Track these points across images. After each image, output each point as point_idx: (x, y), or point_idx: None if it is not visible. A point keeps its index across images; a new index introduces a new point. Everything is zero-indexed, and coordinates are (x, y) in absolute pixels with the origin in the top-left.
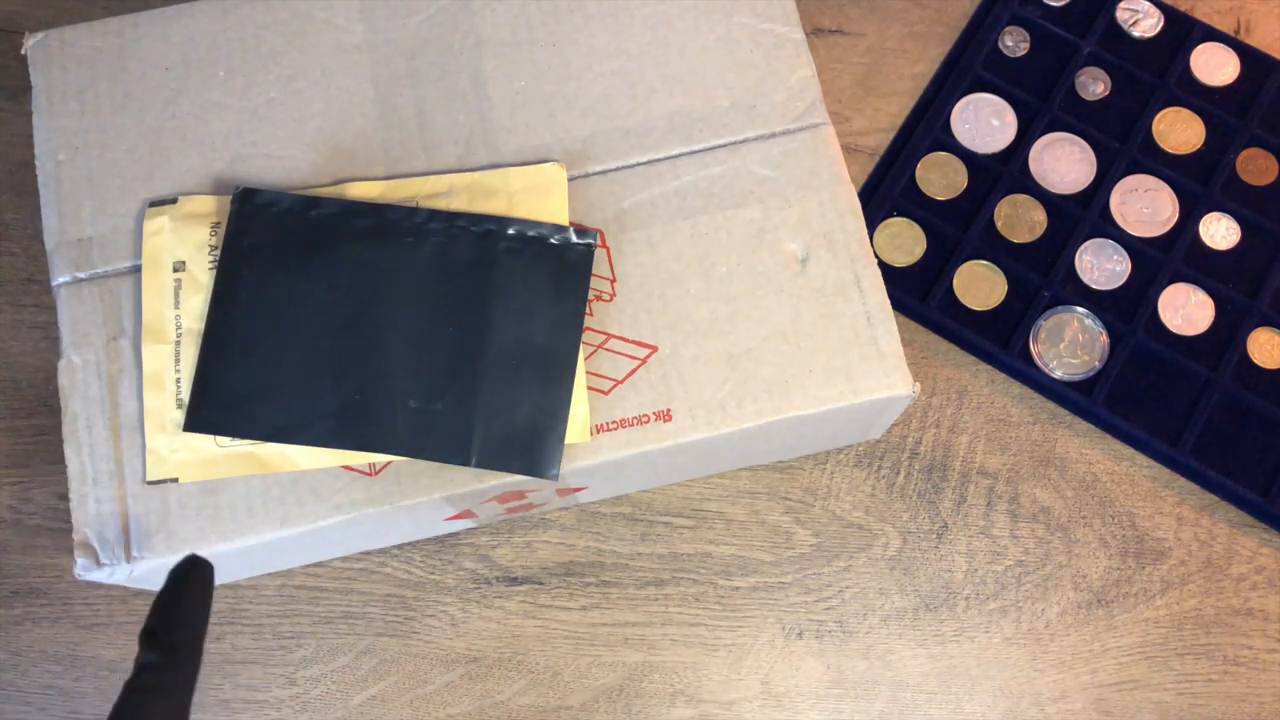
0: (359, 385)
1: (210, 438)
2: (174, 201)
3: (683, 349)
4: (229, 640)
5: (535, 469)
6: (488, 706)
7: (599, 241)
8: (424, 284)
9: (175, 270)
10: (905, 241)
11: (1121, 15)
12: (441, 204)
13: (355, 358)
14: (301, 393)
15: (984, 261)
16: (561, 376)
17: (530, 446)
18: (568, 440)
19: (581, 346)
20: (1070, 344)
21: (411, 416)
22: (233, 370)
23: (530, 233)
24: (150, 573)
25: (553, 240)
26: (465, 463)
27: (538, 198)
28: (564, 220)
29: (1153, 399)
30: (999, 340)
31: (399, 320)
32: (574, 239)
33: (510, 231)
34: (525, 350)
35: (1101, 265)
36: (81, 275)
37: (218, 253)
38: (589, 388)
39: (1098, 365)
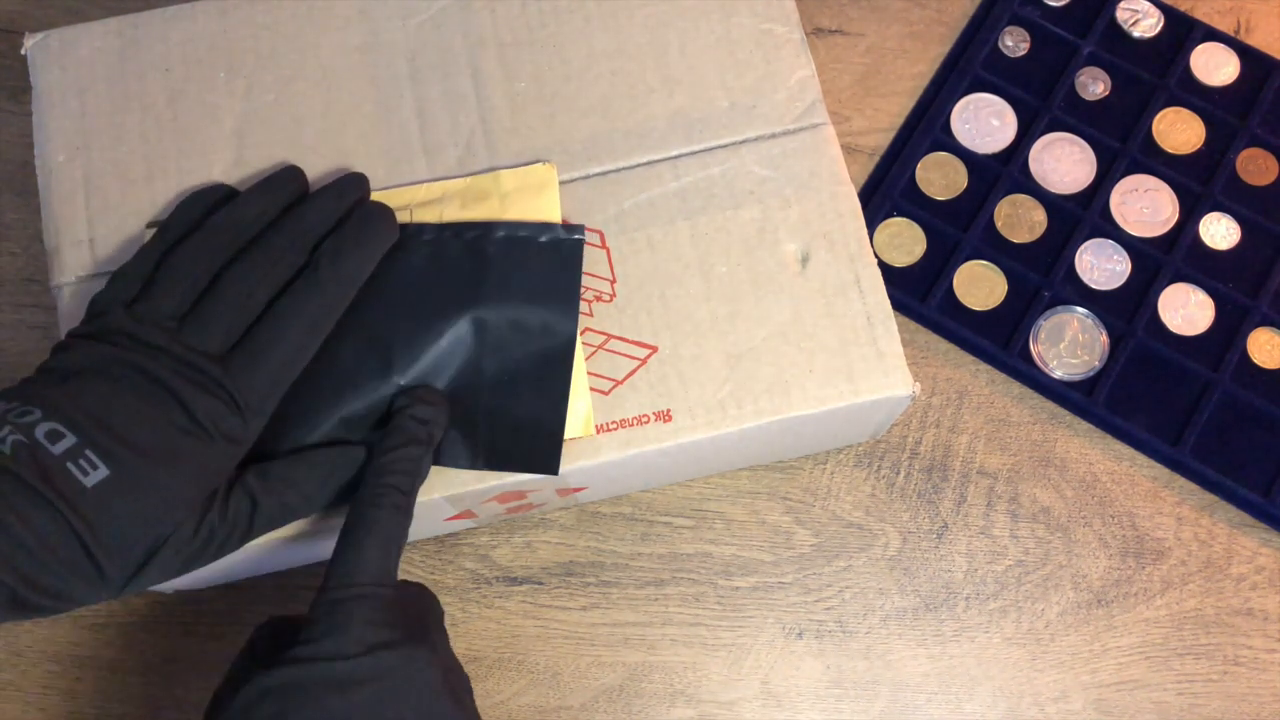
0: (357, 394)
1: None
2: None
3: (683, 349)
4: (229, 640)
5: (538, 466)
6: (488, 706)
7: (600, 243)
8: (416, 293)
9: None
10: (905, 241)
11: (1121, 15)
12: (435, 210)
13: (351, 368)
14: (298, 405)
15: (984, 261)
16: (559, 373)
17: (532, 445)
18: (571, 434)
19: (581, 346)
20: (1070, 344)
21: None
22: None
23: (518, 234)
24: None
25: (541, 239)
26: (468, 466)
27: (529, 198)
28: (556, 219)
29: (1153, 399)
30: (999, 340)
31: (393, 330)
32: (562, 235)
33: (498, 235)
34: (521, 350)
35: (1101, 265)
36: (82, 275)
37: None
38: (589, 388)
39: (1098, 365)
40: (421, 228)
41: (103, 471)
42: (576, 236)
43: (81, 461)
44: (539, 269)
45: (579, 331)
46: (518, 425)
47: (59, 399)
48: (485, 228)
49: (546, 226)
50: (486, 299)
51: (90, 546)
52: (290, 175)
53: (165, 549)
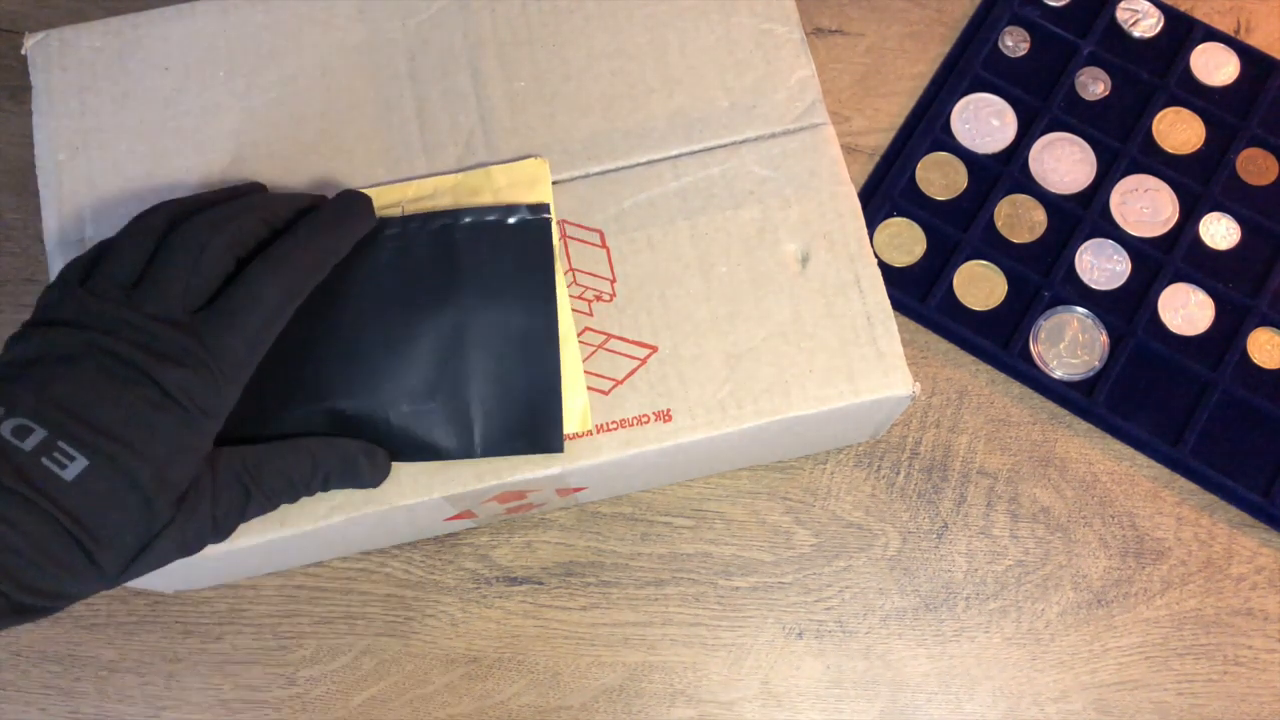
0: (348, 399)
1: None
2: None
3: (683, 349)
4: (229, 640)
5: (540, 446)
6: (488, 706)
7: (600, 242)
8: (391, 290)
9: None
10: (905, 241)
11: (1121, 15)
12: (426, 207)
13: (338, 373)
14: (290, 414)
15: (984, 261)
16: (546, 351)
17: (531, 426)
18: (569, 430)
19: (579, 345)
20: (1070, 344)
21: (406, 420)
22: None
23: (485, 219)
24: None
25: (509, 221)
26: (470, 455)
27: (522, 193)
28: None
29: (1153, 399)
30: (999, 340)
31: (374, 329)
32: (528, 215)
33: (465, 221)
34: (505, 333)
35: (1101, 265)
36: None
37: None
38: (589, 388)
39: (1098, 365)
40: (385, 222)
41: (81, 462)
42: (544, 215)
43: (56, 455)
44: (510, 251)
45: (578, 331)
46: (514, 409)
47: (19, 392)
48: (451, 216)
49: (511, 208)
50: (461, 288)
51: (83, 541)
52: (250, 185)
53: (161, 537)
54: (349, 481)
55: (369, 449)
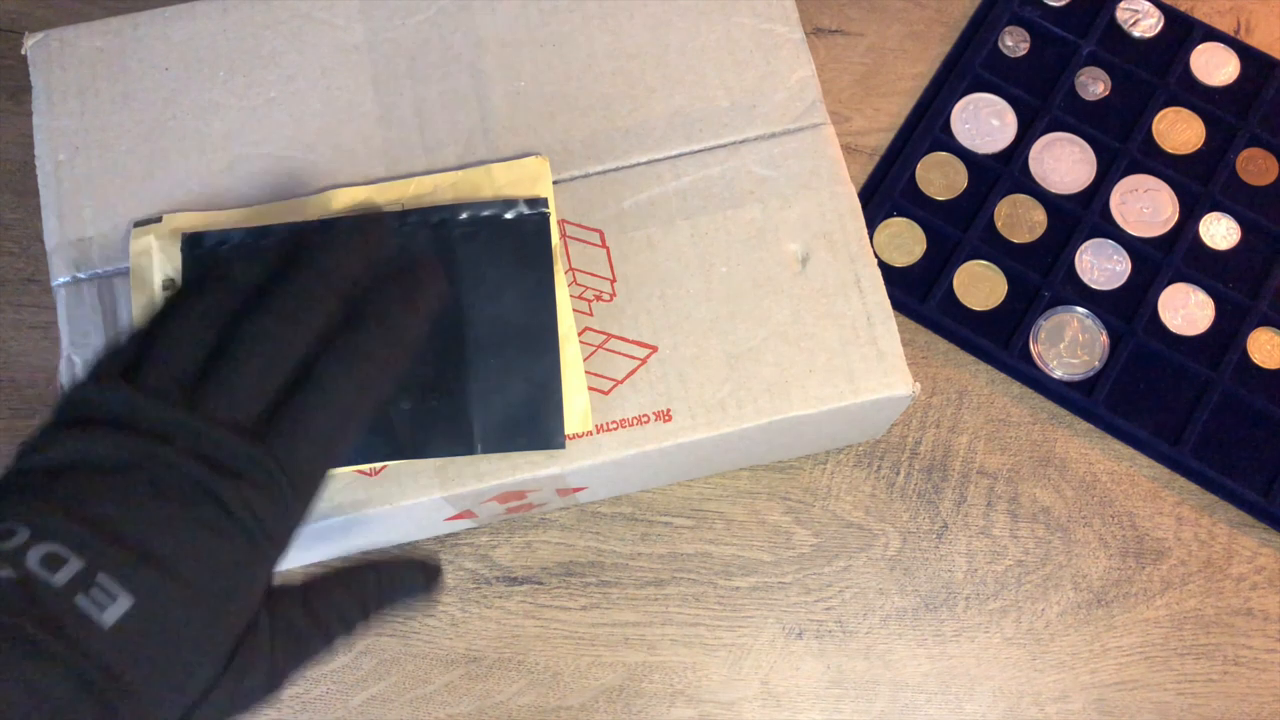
0: None
1: None
2: (159, 220)
3: (683, 349)
4: None
5: (541, 442)
6: (488, 706)
7: (600, 242)
8: None
9: (164, 288)
10: (905, 241)
11: (1121, 15)
12: (427, 204)
13: None
14: None
15: (984, 261)
16: (545, 347)
17: (532, 422)
18: (569, 430)
19: (580, 345)
20: (1070, 344)
21: (407, 418)
22: None
23: (483, 213)
24: None
25: (506, 216)
26: (471, 452)
27: (523, 191)
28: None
29: (1153, 399)
30: (999, 340)
31: None
32: (526, 210)
33: (463, 217)
34: (504, 329)
35: (1101, 265)
36: (81, 275)
37: None
38: (589, 388)
39: (1098, 365)
40: (384, 217)
41: (124, 602)
42: (542, 209)
43: (94, 592)
44: (509, 245)
45: (578, 330)
46: (515, 405)
47: (48, 510)
48: (450, 210)
49: (509, 203)
50: (460, 283)
51: (121, 710)
52: (316, 228)
53: (208, 700)
54: (407, 598)
55: (420, 562)
